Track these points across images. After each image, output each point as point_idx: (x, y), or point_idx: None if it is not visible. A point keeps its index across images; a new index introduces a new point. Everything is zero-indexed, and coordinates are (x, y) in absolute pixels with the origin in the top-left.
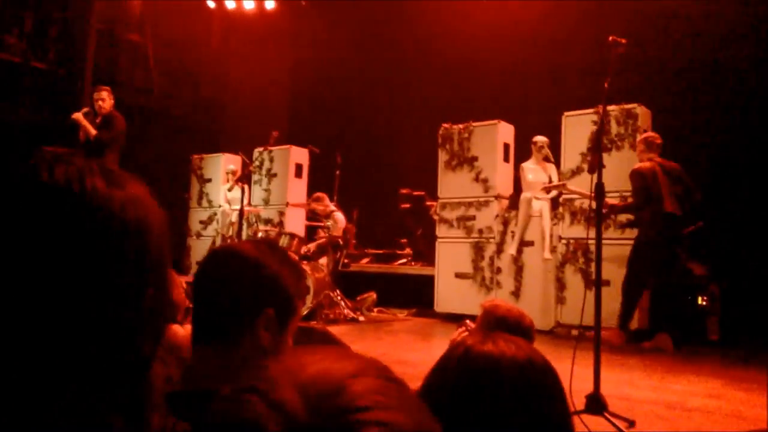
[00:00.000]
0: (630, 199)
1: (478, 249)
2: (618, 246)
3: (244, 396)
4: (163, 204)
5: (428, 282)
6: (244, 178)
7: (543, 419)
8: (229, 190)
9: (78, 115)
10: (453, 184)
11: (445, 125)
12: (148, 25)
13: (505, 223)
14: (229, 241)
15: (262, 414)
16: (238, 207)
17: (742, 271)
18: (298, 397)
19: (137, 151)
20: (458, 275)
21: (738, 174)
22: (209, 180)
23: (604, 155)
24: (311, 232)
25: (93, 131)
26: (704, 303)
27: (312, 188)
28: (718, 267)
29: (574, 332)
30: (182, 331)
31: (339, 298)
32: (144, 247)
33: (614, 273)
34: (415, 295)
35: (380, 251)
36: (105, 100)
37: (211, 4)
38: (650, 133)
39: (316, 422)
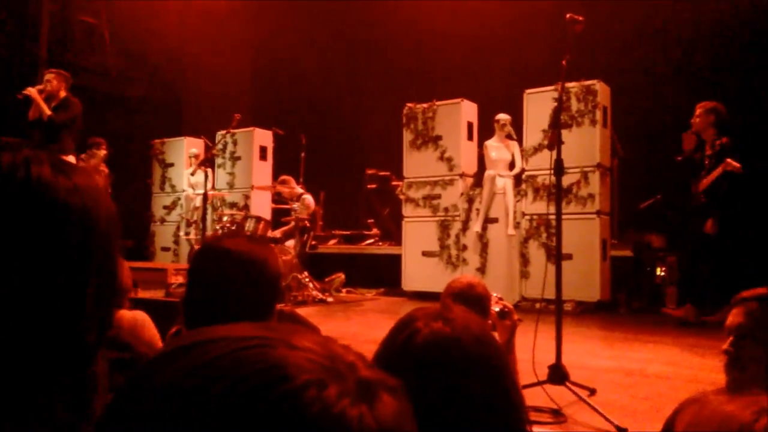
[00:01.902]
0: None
1: (443, 227)
2: (578, 220)
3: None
4: (123, 190)
5: (395, 261)
6: (207, 161)
7: (495, 395)
8: (192, 174)
9: (32, 90)
10: (418, 164)
11: (409, 105)
12: (103, 6)
13: (470, 200)
14: (193, 226)
15: (287, 356)
16: (201, 191)
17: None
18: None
19: (97, 135)
20: (425, 253)
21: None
22: (171, 164)
23: (565, 131)
24: (277, 215)
25: (47, 111)
26: (662, 273)
27: (277, 171)
28: (674, 240)
29: (538, 305)
30: (128, 314)
31: (307, 279)
32: (89, 235)
33: (576, 247)
34: (382, 275)
35: (347, 232)
36: (50, 81)
37: None
38: (719, 104)
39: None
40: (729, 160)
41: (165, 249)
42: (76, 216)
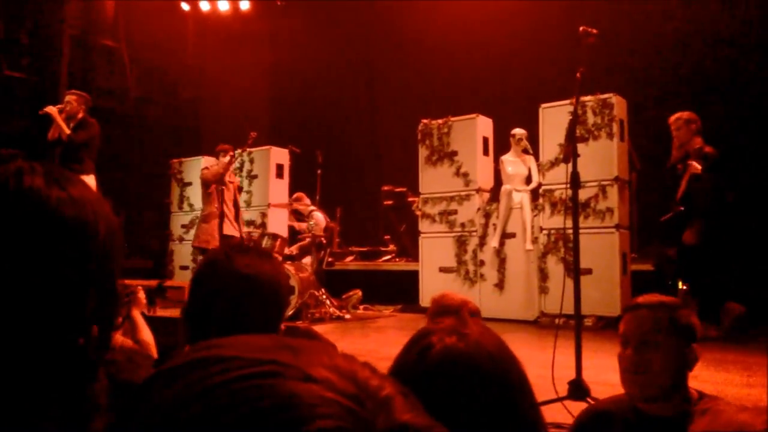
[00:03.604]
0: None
1: (461, 243)
2: (597, 234)
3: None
4: (143, 208)
5: (413, 277)
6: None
7: (511, 412)
8: None
9: (52, 109)
10: (434, 179)
11: (425, 121)
12: (122, 29)
13: (487, 216)
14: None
15: (301, 392)
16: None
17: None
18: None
19: (116, 156)
20: (442, 269)
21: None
22: (189, 183)
23: (581, 145)
24: (294, 233)
25: (67, 130)
26: (684, 288)
27: (294, 188)
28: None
29: (559, 321)
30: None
31: (324, 296)
32: (86, 247)
33: (595, 261)
34: (400, 291)
35: (364, 249)
36: (70, 103)
37: (185, 6)
38: (693, 114)
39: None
40: (693, 162)
41: (183, 268)
42: (69, 227)
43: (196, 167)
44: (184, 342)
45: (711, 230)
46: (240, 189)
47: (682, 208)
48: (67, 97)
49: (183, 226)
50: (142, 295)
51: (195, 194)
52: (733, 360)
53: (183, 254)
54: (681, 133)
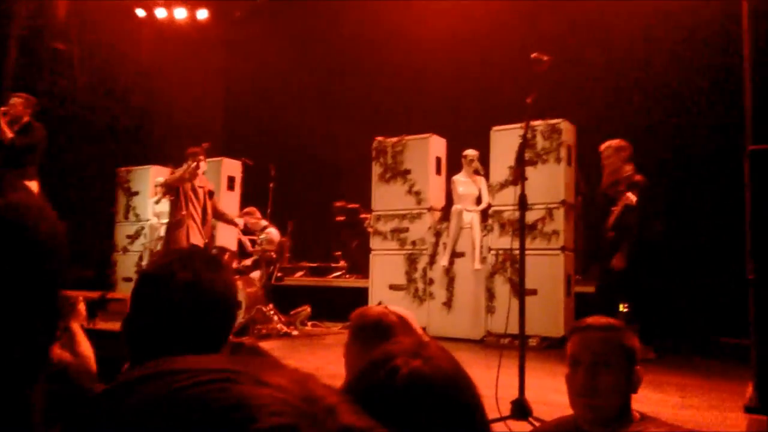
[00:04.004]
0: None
1: (411, 261)
2: (544, 256)
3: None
4: (86, 217)
5: (363, 294)
6: (172, 190)
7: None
8: (157, 202)
9: None
10: (387, 197)
11: (379, 138)
12: (74, 33)
13: (437, 234)
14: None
15: (253, 394)
16: (166, 221)
17: (662, 280)
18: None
19: (61, 162)
20: (392, 287)
21: (661, 186)
22: (136, 193)
23: (531, 168)
24: (243, 246)
25: (9, 134)
26: (625, 310)
27: (245, 201)
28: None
29: (504, 341)
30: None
31: (272, 312)
32: (25, 254)
33: (540, 282)
34: (349, 308)
35: (315, 264)
36: (15, 106)
37: (141, 13)
38: (624, 141)
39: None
40: (628, 194)
41: (127, 279)
42: (11, 234)
43: (145, 176)
44: (126, 355)
45: (638, 256)
46: (211, 194)
47: (612, 234)
48: (12, 100)
49: (128, 237)
50: (82, 306)
51: (142, 204)
52: (668, 381)
53: (127, 265)
54: (611, 161)
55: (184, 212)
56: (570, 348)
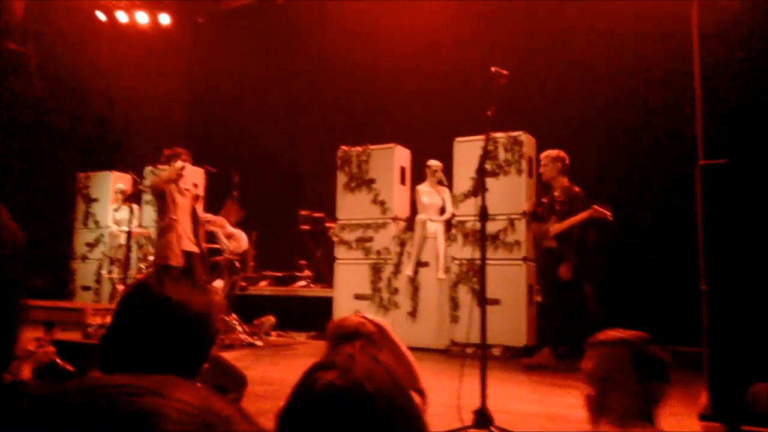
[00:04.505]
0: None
1: (376, 270)
2: (506, 266)
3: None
4: (44, 224)
5: (328, 304)
6: (133, 197)
7: None
8: (116, 210)
9: None
10: (352, 206)
11: (344, 147)
12: (31, 34)
13: (402, 244)
14: (116, 264)
15: (156, 405)
16: (126, 228)
17: (618, 291)
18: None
19: (18, 167)
20: (357, 296)
21: (616, 199)
22: (96, 200)
23: (492, 180)
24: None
25: None
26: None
27: (208, 209)
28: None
29: (469, 350)
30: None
31: (235, 322)
32: None
33: (503, 292)
34: (314, 318)
35: (279, 273)
36: None
37: (102, 16)
38: (563, 153)
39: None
40: (596, 206)
41: (85, 288)
42: None
43: (105, 182)
44: (97, 365)
45: (581, 265)
46: (197, 198)
47: (555, 244)
48: None
49: (87, 244)
50: (44, 351)
51: (101, 211)
52: None
53: (85, 273)
54: (547, 170)
55: (174, 216)
56: (583, 365)
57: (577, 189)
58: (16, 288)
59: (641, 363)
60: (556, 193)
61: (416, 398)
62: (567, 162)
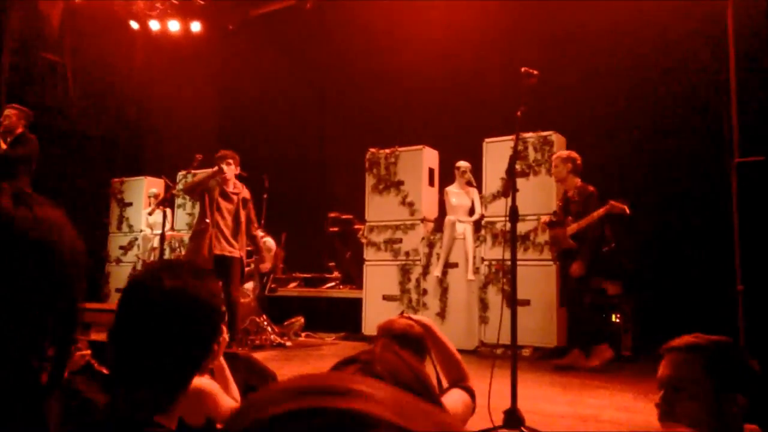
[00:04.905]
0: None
1: (404, 271)
2: (536, 267)
3: None
4: (79, 229)
5: (356, 305)
6: (166, 201)
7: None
8: (150, 214)
9: None
10: (380, 208)
11: (372, 150)
12: (67, 44)
13: (431, 245)
14: None
15: None
16: (159, 232)
17: (653, 289)
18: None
19: (54, 173)
20: (385, 297)
21: (649, 198)
22: (130, 204)
23: (523, 180)
24: None
25: (3, 145)
26: (617, 320)
27: None
28: (630, 286)
29: (498, 351)
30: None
31: (265, 323)
32: (49, 269)
33: (533, 293)
34: (343, 319)
35: (308, 275)
36: (10, 117)
37: (135, 25)
38: (574, 153)
39: None
40: (613, 202)
41: (120, 290)
42: (36, 248)
43: (138, 187)
44: (109, 363)
45: (594, 263)
46: (245, 202)
47: (614, 245)
48: (6, 111)
49: (121, 248)
50: (81, 354)
51: (135, 215)
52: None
53: (120, 276)
54: (558, 170)
55: (208, 220)
56: (658, 370)
57: (591, 188)
58: (74, 293)
59: (717, 371)
60: (570, 194)
61: (464, 396)
62: (578, 162)
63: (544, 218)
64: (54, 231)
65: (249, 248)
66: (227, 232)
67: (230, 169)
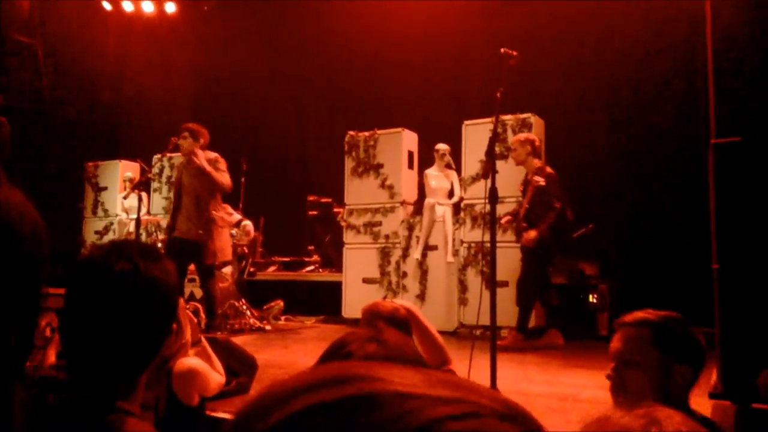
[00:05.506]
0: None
1: (384, 254)
2: (514, 248)
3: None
4: (53, 214)
5: (336, 288)
6: (141, 185)
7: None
8: (125, 198)
9: None
10: (359, 191)
11: (351, 132)
12: (38, 25)
13: (410, 228)
14: None
15: None
16: (135, 216)
17: (630, 270)
18: None
19: (26, 157)
20: (365, 280)
21: (627, 180)
22: (105, 188)
23: (501, 162)
24: None
25: None
26: (594, 300)
27: None
28: (607, 267)
29: (477, 332)
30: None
31: (244, 307)
32: (7, 250)
33: (512, 274)
34: (323, 302)
35: (287, 259)
36: None
37: (107, 6)
38: (533, 136)
39: None
40: (535, 177)
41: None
42: None
43: (113, 171)
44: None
45: (550, 239)
46: (206, 175)
47: (591, 226)
48: None
49: (96, 232)
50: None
51: (110, 199)
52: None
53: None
54: (517, 153)
55: (174, 201)
56: (610, 345)
57: (548, 169)
58: (37, 276)
59: (665, 344)
60: (529, 176)
61: None
62: (537, 144)
63: (506, 218)
64: (12, 210)
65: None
66: (192, 214)
67: (187, 143)
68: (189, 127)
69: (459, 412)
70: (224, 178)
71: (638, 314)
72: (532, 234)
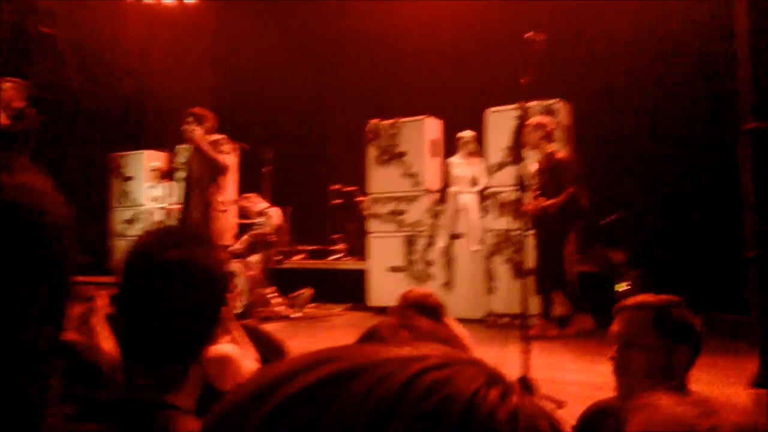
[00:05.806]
0: (567, 190)
1: (409, 243)
2: None
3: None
4: (78, 203)
5: (362, 277)
6: (168, 175)
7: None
8: (151, 188)
9: None
10: (383, 180)
11: (374, 121)
12: (64, 18)
13: (435, 216)
14: None
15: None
16: (163, 205)
17: (659, 258)
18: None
19: (52, 148)
20: (393, 269)
21: (655, 167)
22: (130, 178)
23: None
24: (244, 230)
25: (4, 120)
26: (626, 288)
27: (242, 185)
28: (636, 254)
29: (505, 320)
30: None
31: (272, 295)
32: (34, 236)
33: None
34: (349, 290)
35: (313, 247)
36: (6, 91)
37: None
38: (545, 120)
39: None
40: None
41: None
42: (20, 215)
43: (138, 161)
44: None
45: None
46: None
47: (621, 213)
48: (4, 85)
49: (126, 221)
50: (102, 302)
51: (137, 189)
52: None
53: (124, 250)
54: (529, 138)
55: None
56: (610, 329)
57: (558, 155)
58: (65, 262)
59: (664, 326)
60: (539, 162)
61: None
62: (549, 129)
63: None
64: (40, 198)
65: (248, 222)
66: (196, 197)
67: (191, 128)
68: (193, 111)
69: (430, 364)
70: (221, 158)
71: (639, 298)
72: (537, 202)
